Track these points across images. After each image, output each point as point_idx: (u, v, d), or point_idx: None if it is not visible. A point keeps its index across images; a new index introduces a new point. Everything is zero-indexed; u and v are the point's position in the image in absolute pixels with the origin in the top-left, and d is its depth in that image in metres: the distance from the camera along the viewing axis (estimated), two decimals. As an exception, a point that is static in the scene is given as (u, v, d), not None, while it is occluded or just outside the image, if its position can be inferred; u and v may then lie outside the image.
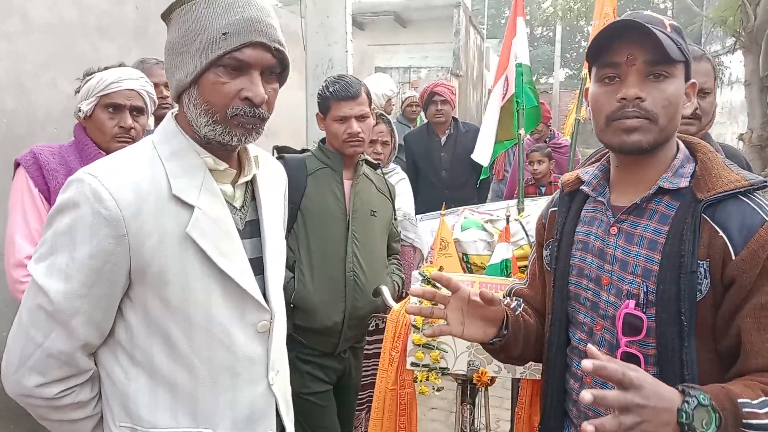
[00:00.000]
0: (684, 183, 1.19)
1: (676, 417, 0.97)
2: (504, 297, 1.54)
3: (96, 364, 1.24)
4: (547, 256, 1.41)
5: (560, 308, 1.35)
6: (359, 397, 2.62)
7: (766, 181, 1.17)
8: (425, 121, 4.73)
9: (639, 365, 1.10)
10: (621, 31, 1.17)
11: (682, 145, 1.27)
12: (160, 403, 1.21)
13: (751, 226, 1.10)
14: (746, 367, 1.10)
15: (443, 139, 4.47)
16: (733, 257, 1.10)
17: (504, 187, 5.37)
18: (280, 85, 1.27)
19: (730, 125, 17.65)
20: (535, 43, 33.77)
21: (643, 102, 1.16)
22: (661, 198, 1.21)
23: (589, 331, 1.30)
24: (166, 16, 1.22)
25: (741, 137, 12.83)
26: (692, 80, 1.23)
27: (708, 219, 1.14)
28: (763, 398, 1.03)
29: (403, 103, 5.73)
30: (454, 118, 4.56)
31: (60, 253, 1.12)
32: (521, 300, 1.49)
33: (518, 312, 1.41)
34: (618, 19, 1.22)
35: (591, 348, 1.02)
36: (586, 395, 0.94)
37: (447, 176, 4.41)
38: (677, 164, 1.22)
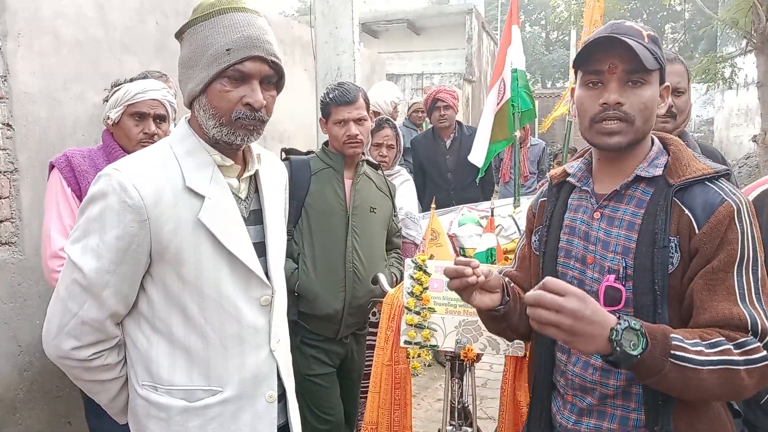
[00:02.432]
0: (658, 172, 1.35)
1: (608, 333, 1.13)
2: None
3: (122, 333, 1.45)
4: (535, 241, 1.55)
5: None
6: (363, 385, 2.78)
7: (729, 170, 1.34)
8: (431, 125, 4.92)
9: None
10: (604, 42, 1.32)
11: (656, 140, 1.43)
12: (177, 365, 1.41)
13: (713, 204, 1.26)
14: (695, 323, 1.25)
15: (448, 142, 4.67)
16: (697, 231, 1.26)
17: (510, 189, 5.54)
18: (278, 92, 1.48)
19: (746, 127, 17.53)
20: (551, 48, 33.75)
21: (623, 106, 1.32)
22: (638, 185, 1.37)
23: None
24: (179, 35, 1.43)
25: (754, 138, 12.80)
26: (666, 83, 1.39)
27: (678, 201, 1.30)
28: (697, 341, 1.18)
29: (409, 108, 5.93)
30: (458, 122, 4.75)
31: (92, 236, 1.34)
32: (509, 280, 1.62)
33: (512, 285, 1.55)
34: (601, 31, 1.37)
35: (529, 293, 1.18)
36: (530, 293, 1.15)
37: (452, 178, 4.60)
38: (652, 156, 1.38)
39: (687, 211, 1.29)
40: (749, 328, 1.20)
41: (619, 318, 1.15)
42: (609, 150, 1.37)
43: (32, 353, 2.70)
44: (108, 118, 2.25)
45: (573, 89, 1.44)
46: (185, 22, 1.40)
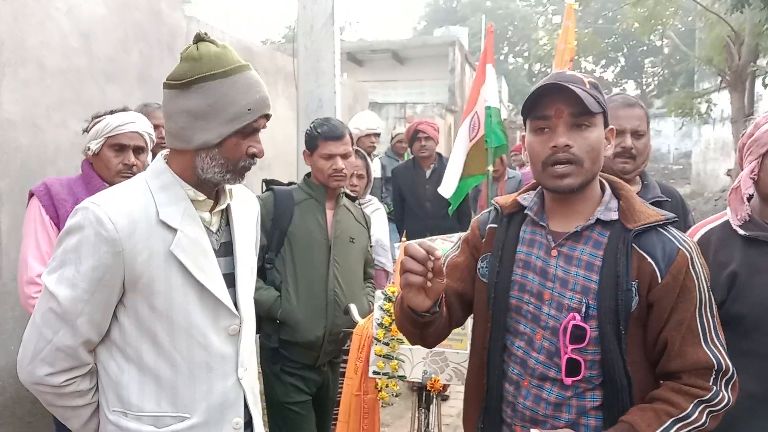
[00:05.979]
0: (614, 216, 1.41)
1: None
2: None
3: (95, 360, 1.49)
4: (482, 267, 1.54)
5: (500, 319, 1.48)
6: (335, 411, 2.83)
7: (676, 217, 1.42)
8: (413, 155, 5.04)
9: (580, 368, 1.36)
10: (550, 89, 1.38)
11: (606, 184, 1.48)
12: (146, 392, 1.45)
13: (671, 254, 1.36)
14: (665, 368, 1.37)
15: (428, 172, 4.77)
16: (660, 281, 1.35)
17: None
18: None
19: (723, 161, 17.93)
20: (533, 79, 34.42)
21: (571, 149, 1.37)
22: (594, 227, 1.42)
23: (529, 339, 1.44)
24: (187, 84, 1.43)
25: (728, 173, 13.13)
26: (610, 126, 1.46)
27: (636, 246, 1.37)
28: (665, 426, 1.30)
29: (393, 138, 6.04)
30: (438, 153, 4.87)
31: (68, 266, 1.39)
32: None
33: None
34: (546, 80, 1.42)
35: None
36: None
37: (431, 207, 4.70)
38: (606, 200, 1.44)
39: (649, 258, 1.36)
40: (714, 368, 1.34)
41: None
42: (562, 192, 1.41)
43: (5, 378, 2.71)
44: (88, 149, 2.30)
45: (524, 137, 1.49)
46: (198, 76, 1.42)
